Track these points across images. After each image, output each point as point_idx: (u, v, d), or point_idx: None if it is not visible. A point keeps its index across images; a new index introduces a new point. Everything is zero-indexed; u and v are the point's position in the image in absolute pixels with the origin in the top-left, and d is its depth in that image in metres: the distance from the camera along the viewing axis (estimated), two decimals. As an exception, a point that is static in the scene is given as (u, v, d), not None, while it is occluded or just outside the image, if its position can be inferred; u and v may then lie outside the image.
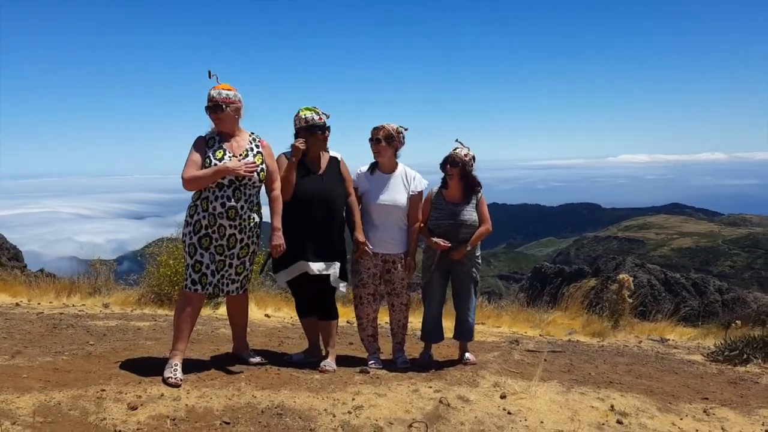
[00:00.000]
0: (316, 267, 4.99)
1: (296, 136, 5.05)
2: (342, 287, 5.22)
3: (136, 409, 3.80)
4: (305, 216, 4.96)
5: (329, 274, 5.06)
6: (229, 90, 4.66)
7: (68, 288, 9.65)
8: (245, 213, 4.69)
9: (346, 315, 8.39)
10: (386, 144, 5.24)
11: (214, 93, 4.62)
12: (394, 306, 5.48)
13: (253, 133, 4.88)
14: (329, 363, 5.13)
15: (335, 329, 5.34)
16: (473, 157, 5.45)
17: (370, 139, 5.28)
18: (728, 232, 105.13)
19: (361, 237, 5.18)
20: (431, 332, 5.71)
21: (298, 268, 5.02)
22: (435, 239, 5.39)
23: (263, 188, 4.89)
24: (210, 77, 4.66)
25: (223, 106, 4.62)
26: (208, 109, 4.65)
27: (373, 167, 5.38)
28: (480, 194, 5.55)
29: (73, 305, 8.60)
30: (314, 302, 5.26)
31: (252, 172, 4.61)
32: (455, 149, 5.45)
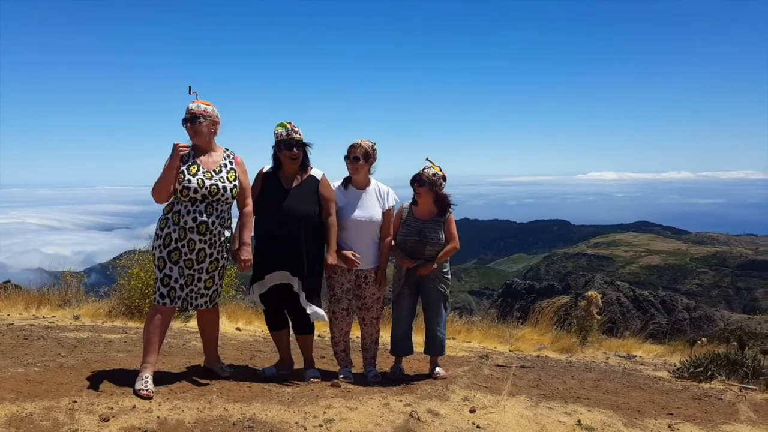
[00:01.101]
0: (283, 278, 5.03)
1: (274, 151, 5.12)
2: (313, 310, 5.11)
3: (108, 420, 3.80)
4: (268, 231, 5.03)
5: (298, 293, 5.07)
6: (207, 105, 4.72)
7: (38, 300, 9.54)
8: (216, 228, 4.73)
9: (317, 329, 8.43)
10: (364, 161, 5.29)
11: (192, 106, 4.68)
12: (365, 320, 5.54)
13: (227, 149, 4.92)
14: (314, 373, 5.27)
15: (312, 342, 5.43)
16: (443, 177, 5.50)
17: (347, 157, 5.30)
18: (696, 250, 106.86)
19: (331, 260, 5.11)
20: (400, 346, 5.76)
21: (270, 280, 5.06)
22: (401, 256, 5.50)
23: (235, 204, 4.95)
24: (190, 93, 4.71)
25: (200, 119, 4.68)
26: (185, 120, 4.69)
27: (347, 183, 5.41)
28: (449, 213, 5.63)
29: (43, 317, 8.50)
30: (284, 315, 5.30)
31: (186, 148, 4.62)
32: (424, 168, 5.50)
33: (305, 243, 5.07)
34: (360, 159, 5.27)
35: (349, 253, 5.19)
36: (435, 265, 5.50)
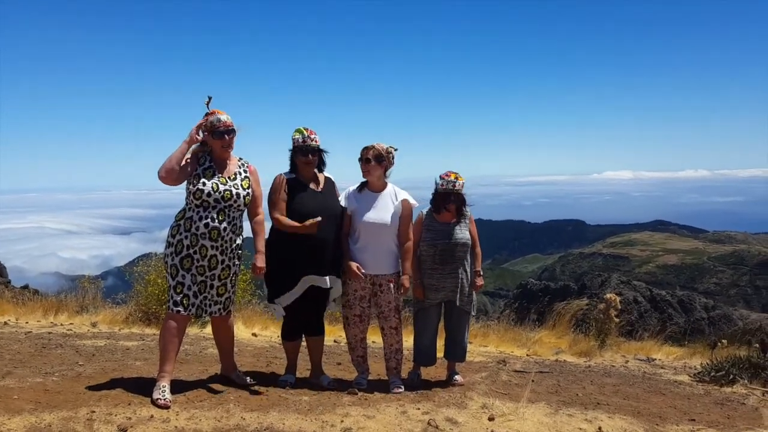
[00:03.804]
0: (323, 281, 5.10)
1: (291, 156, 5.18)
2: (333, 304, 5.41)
3: (126, 430, 3.81)
4: (310, 234, 4.99)
5: (329, 289, 5.20)
6: (227, 116, 4.75)
7: (56, 306, 9.61)
8: (227, 235, 4.74)
9: (333, 334, 8.40)
10: (376, 163, 5.23)
11: (224, 118, 4.70)
12: (384, 329, 5.44)
13: (241, 159, 4.96)
14: (329, 378, 5.38)
15: (323, 346, 5.52)
16: (463, 184, 5.54)
17: (360, 159, 5.28)
18: (713, 249, 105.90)
19: (353, 264, 5.18)
20: (425, 356, 5.74)
21: (305, 283, 5.07)
22: (417, 283, 5.51)
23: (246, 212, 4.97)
24: (207, 106, 4.73)
25: (236, 130, 4.78)
26: (221, 133, 4.70)
27: (362, 186, 5.38)
28: (469, 213, 5.63)
29: (61, 324, 8.57)
30: (303, 321, 5.31)
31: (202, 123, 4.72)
32: (452, 184, 5.47)
33: (337, 240, 5.25)
34: (371, 161, 5.22)
35: (354, 266, 5.18)
36: (481, 281, 5.69)
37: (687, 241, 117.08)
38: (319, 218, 4.92)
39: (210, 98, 4.75)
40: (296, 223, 4.96)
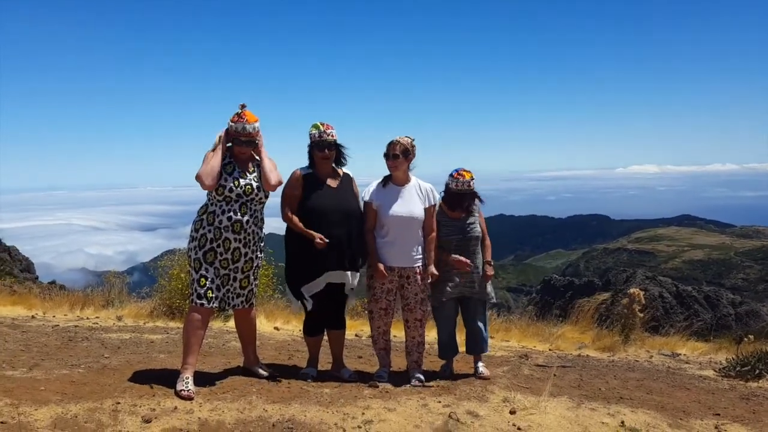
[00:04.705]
0: (342, 276, 5.13)
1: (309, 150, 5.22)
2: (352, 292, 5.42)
3: (150, 422, 3.86)
4: (323, 229, 5.01)
5: (344, 285, 5.21)
6: (256, 122, 4.82)
7: (82, 301, 9.78)
8: (250, 227, 4.81)
9: (354, 328, 8.42)
10: (403, 158, 5.24)
11: (249, 128, 4.78)
12: (408, 322, 5.43)
13: None
14: (350, 371, 5.45)
15: (344, 340, 5.57)
16: (474, 181, 5.57)
17: (386, 155, 5.26)
18: (740, 244, 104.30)
19: (380, 265, 5.19)
20: (448, 349, 5.76)
21: (325, 279, 5.10)
22: (456, 258, 5.43)
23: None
24: (240, 108, 4.82)
25: (256, 142, 4.85)
26: (241, 142, 4.80)
27: (386, 180, 5.36)
28: (478, 206, 5.64)
29: (87, 318, 8.70)
30: (325, 317, 5.33)
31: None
32: (467, 184, 5.47)
33: (358, 238, 5.22)
34: (399, 156, 5.22)
35: (380, 267, 5.19)
36: (491, 271, 5.67)
37: (714, 236, 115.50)
38: (327, 241, 4.95)
39: (244, 105, 4.84)
40: (305, 229, 5.00)
